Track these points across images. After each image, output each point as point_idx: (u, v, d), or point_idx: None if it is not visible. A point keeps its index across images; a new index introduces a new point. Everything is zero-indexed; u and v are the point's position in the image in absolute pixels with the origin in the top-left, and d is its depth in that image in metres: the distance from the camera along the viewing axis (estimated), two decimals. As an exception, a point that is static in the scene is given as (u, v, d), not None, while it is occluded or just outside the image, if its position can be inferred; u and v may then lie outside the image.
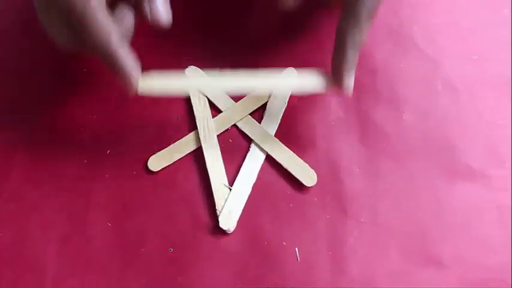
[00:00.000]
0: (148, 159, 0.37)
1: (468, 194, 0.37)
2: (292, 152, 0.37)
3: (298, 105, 0.39)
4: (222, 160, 0.37)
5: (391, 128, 0.39)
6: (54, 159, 0.37)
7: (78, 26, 0.31)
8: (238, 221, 0.35)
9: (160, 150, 0.37)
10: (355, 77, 0.39)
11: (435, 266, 0.35)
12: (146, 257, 0.35)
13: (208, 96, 0.39)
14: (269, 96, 0.39)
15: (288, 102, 0.39)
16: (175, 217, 0.36)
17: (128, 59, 0.32)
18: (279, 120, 0.38)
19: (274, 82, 0.35)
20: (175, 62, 0.39)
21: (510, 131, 0.39)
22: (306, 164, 0.37)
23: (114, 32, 0.31)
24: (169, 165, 0.37)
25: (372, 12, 0.33)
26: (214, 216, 0.36)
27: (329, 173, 0.37)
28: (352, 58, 0.33)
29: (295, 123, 0.39)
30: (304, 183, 0.36)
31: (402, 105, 0.39)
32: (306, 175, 0.36)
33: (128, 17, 0.33)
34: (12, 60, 0.41)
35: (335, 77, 0.34)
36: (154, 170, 0.36)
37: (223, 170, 0.36)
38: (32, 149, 0.37)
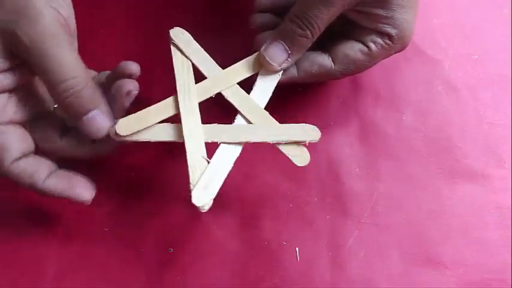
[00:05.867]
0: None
1: (468, 194, 0.37)
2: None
3: (297, 105, 0.39)
4: (201, 129, 0.32)
5: (391, 128, 0.39)
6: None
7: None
8: (238, 221, 0.35)
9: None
10: (354, 77, 0.40)
11: (435, 266, 0.35)
12: (146, 257, 0.35)
13: (194, 61, 0.34)
14: (261, 66, 0.34)
15: (287, 102, 0.39)
16: (176, 217, 0.36)
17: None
18: (271, 93, 0.34)
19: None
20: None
21: (510, 131, 0.39)
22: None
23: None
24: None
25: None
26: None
27: (329, 173, 0.37)
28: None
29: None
30: (295, 163, 0.32)
31: (402, 105, 0.39)
32: (297, 153, 0.32)
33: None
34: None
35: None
36: (122, 134, 0.32)
37: (203, 140, 0.32)
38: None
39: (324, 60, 0.35)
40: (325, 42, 0.35)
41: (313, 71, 0.35)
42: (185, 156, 0.32)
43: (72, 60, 0.30)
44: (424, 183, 0.37)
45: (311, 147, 0.38)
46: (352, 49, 0.35)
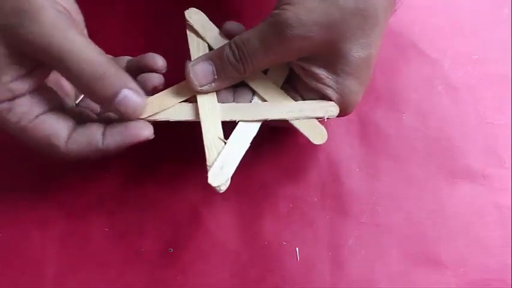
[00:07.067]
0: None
1: (468, 194, 0.37)
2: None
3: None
4: (218, 111, 0.32)
5: (391, 128, 0.39)
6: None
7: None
8: (238, 221, 0.35)
9: None
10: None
11: (435, 266, 0.35)
12: (146, 257, 0.35)
13: (209, 42, 0.34)
14: None
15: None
16: (176, 217, 0.36)
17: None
18: (287, 73, 0.34)
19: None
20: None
21: (510, 131, 0.39)
22: (315, 120, 0.33)
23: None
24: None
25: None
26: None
27: (329, 173, 0.37)
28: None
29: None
30: (312, 141, 0.33)
31: (402, 106, 0.39)
32: (315, 131, 0.33)
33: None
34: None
35: None
36: (142, 117, 0.32)
37: (219, 122, 0.32)
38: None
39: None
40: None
41: None
42: (201, 137, 0.31)
43: (84, 45, 0.29)
44: (424, 183, 0.37)
45: (311, 147, 0.38)
46: None
